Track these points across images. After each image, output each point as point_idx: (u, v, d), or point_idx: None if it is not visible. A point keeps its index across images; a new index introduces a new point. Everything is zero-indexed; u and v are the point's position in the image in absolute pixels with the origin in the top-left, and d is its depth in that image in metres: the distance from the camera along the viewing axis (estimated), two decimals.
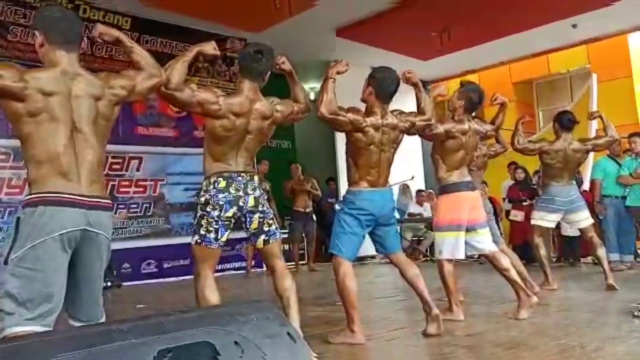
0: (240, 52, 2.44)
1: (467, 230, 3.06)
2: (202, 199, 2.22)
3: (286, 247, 7.37)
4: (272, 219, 2.33)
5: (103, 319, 1.77)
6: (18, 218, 1.60)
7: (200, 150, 2.35)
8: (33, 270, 1.55)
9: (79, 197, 1.63)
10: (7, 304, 1.53)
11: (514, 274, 3.04)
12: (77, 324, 1.71)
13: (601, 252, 4.14)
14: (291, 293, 2.29)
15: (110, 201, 1.78)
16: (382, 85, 2.62)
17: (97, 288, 1.75)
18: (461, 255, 3.08)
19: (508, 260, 3.12)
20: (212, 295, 2.17)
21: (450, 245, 3.03)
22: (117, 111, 1.80)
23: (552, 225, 4.32)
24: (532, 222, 4.24)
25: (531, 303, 2.98)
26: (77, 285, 1.69)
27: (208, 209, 2.19)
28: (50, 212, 1.58)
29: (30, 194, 1.62)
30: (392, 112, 2.69)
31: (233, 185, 2.21)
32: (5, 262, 1.56)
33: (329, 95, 2.51)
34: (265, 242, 2.31)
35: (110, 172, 5.88)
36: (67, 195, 1.61)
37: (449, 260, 3.06)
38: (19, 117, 1.61)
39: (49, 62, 1.70)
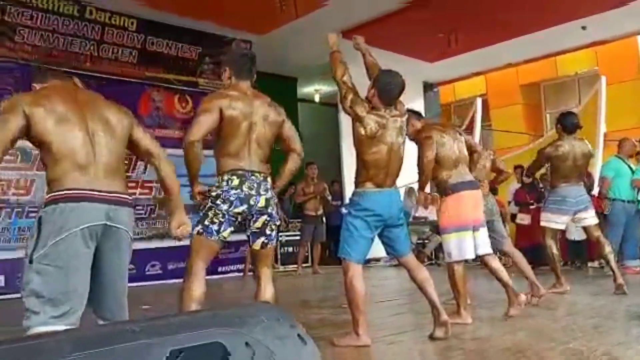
0: (233, 55, 2.50)
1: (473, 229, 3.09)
2: (214, 193, 2.22)
3: (290, 249, 7.41)
4: (275, 224, 2.33)
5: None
6: (40, 217, 1.62)
7: (206, 152, 2.34)
8: (55, 267, 1.56)
9: (98, 193, 1.65)
10: (33, 303, 1.55)
11: (504, 275, 3.13)
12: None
13: (609, 251, 4.11)
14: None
15: (130, 197, 1.79)
16: (384, 89, 2.66)
17: (120, 286, 1.74)
18: (470, 255, 3.09)
19: (498, 262, 3.24)
20: (198, 288, 2.14)
21: (459, 246, 3.04)
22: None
23: (562, 227, 4.31)
24: (543, 223, 4.21)
25: (519, 301, 3.08)
26: (100, 283, 1.69)
27: (218, 202, 2.20)
28: (71, 208, 1.60)
29: (50, 193, 1.64)
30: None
31: (246, 184, 2.22)
32: (30, 261, 1.57)
33: (338, 64, 2.72)
34: (264, 244, 2.30)
35: None
36: (86, 191, 1.63)
37: (459, 262, 3.07)
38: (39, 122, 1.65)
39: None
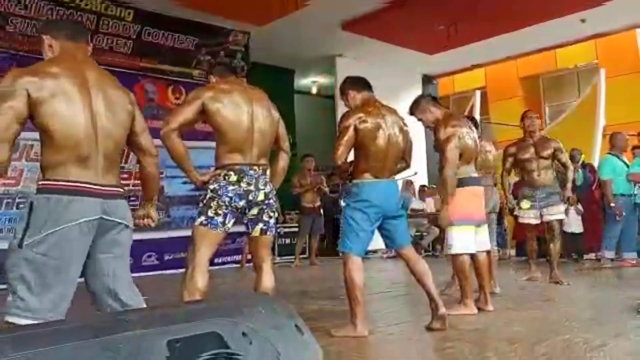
0: (213, 66, 2.52)
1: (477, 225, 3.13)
2: (212, 186, 2.19)
3: (288, 240, 7.41)
4: (273, 211, 2.31)
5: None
6: (32, 203, 1.56)
7: (200, 143, 2.32)
8: (48, 257, 1.52)
9: (95, 187, 1.61)
10: (20, 289, 1.51)
11: (485, 276, 3.20)
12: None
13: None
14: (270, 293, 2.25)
15: (123, 189, 1.75)
16: (353, 82, 2.73)
17: (126, 275, 1.72)
18: (472, 249, 3.10)
19: (486, 261, 3.27)
20: (202, 280, 2.11)
21: (461, 239, 3.06)
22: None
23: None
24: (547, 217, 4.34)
25: (488, 307, 3.13)
26: (102, 275, 1.66)
27: (220, 193, 2.17)
28: (68, 200, 1.55)
29: (45, 180, 1.59)
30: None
31: (244, 180, 2.19)
32: (20, 246, 1.53)
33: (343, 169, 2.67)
34: (263, 231, 2.26)
35: None
36: (84, 185, 1.59)
37: (467, 254, 3.09)
38: (37, 107, 1.55)
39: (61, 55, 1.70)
